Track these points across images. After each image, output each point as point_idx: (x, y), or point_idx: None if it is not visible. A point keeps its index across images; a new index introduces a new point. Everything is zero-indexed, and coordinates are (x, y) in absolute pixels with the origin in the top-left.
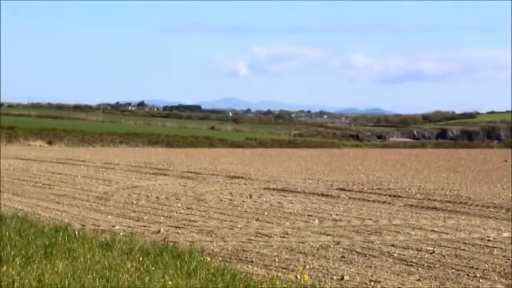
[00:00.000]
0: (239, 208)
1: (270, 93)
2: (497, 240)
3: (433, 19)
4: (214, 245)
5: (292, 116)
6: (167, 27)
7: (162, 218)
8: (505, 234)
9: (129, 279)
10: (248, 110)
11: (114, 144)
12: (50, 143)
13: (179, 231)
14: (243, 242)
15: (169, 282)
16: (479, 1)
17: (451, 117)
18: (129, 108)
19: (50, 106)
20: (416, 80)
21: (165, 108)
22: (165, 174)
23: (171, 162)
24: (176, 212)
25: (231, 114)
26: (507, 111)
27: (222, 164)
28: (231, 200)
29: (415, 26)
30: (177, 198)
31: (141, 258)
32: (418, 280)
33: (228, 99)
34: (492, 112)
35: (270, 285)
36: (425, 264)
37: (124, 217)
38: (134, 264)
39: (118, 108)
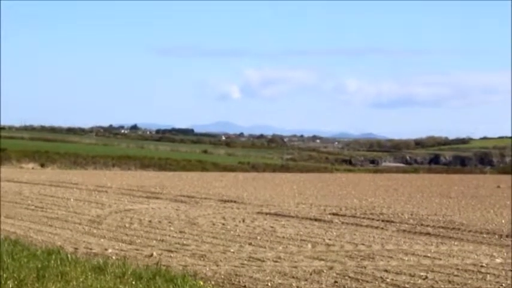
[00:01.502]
0: (232, 232)
1: (262, 117)
2: (490, 266)
3: (425, 43)
4: (207, 269)
5: (285, 140)
6: (160, 49)
7: (154, 241)
8: (498, 260)
9: None
10: (241, 134)
11: (107, 167)
12: (42, 165)
13: (172, 255)
14: (235, 266)
15: None
16: (471, 24)
17: (444, 142)
18: (122, 131)
19: (42, 128)
20: (409, 104)
21: (157, 131)
22: (157, 198)
23: (163, 185)
24: (169, 235)
25: (224, 138)
26: (500, 137)
27: (214, 188)
28: (223, 224)
29: (407, 50)
30: (169, 222)
31: (134, 282)
32: None
33: (221, 123)
34: (485, 138)
35: None
36: None
37: (117, 240)
38: None
39: (111, 131)
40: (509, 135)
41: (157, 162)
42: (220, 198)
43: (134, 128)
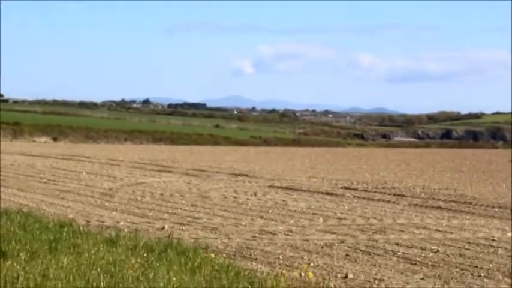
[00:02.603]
0: (243, 206)
1: (275, 92)
2: (502, 240)
3: (439, 19)
4: (219, 242)
5: (297, 114)
6: (173, 25)
7: (166, 214)
8: (509, 234)
9: (133, 275)
10: (253, 109)
11: (119, 141)
12: (55, 139)
13: (183, 228)
14: (247, 239)
15: (174, 279)
16: (485, 1)
17: (456, 117)
18: (134, 105)
19: (55, 103)
20: (422, 80)
21: (169, 105)
22: (169, 172)
23: (175, 159)
24: (180, 209)
25: (235, 112)
26: None
27: (226, 162)
28: (235, 197)
29: (421, 26)
30: (181, 195)
31: (145, 255)
32: (422, 279)
33: (233, 98)
34: (497, 113)
35: (274, 283)
36: (430, 263)
37: (128, 213)
38: (139, 260)
39: (123, 106)
40: None
41: (169, 136)
42: (232, 172)
43: (146, 102)
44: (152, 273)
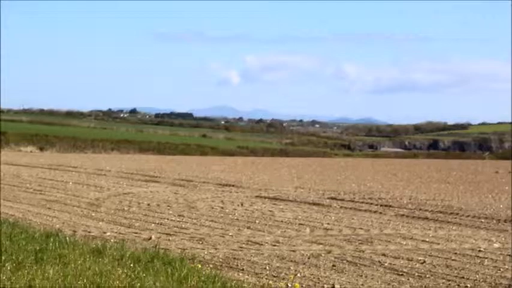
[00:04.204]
0: (230, 216)
1: (262, 102)
2: (488, 250)
3: (426, 30)
4: (206, 253)
5: (284, 124)
6: (160, 34)
7: (153, 225)
8: (496, 245)
9: (120, 285)
10: (240, 119)
11: (106, 150)
12: (41, 149)
13: (170, 239)
14: (234, 250)
15: None
16: (471, 13)
17: (443, 128)
18: (121, 115)
19: (41, 112)
20: (409, 90)
21: (157, 115)
22: (156, 182)
23: (162, 169)
24: (167, 219)
25: (223, 122)
26: (499, 123)
27: (213, 172)
28: (222, 207)
29: (408, 37)
30: (168, 206)
31: (132, 265)
32: None
33: (220, 108)
34: (484, 123)
35: None
36: (416, 274)
37: (115, 224)
38: (125, 271)
39: (110, 115)
40: (509, 121)
41: (156, 146)
42: (218, 182)
43: (133, 111)
44: (139, 284)
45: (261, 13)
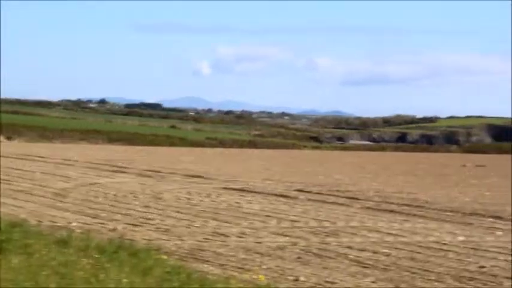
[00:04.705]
0: (197, 207)
1: (232, 93)
2: (453, 243)
3: (398, 22)
4: (171, 244)
5: (254, 116)
6: (132, 24)
7: (119, 215)
8: (460, 238)
9: (84, 276)
10: (209, 110)
11: (75, 141)
12: (9, 138)
13: (136, 229)
14: (199, 241)
15: (125, 280)
16: (443, 5)
17: (411, 121)
18: (90, 105)
19: (9, 101)
20: (379, 83)
21: (126, 105)
22: (124, 172)
23: (130, 160)
24: (134, 210)
25: (192, 113)
26: (467, 117)
27: (181, 163)
28: (189, 199)
29: (381, 29)
30: (135, 196)
31: (97, 256)
32: (373, 282)
33: (189, 98)
34: (452, 117)
35: (225, 285)
36: (381, 267)
37: (81, 214)
38: (90, 261)
39: (79, 105)
40: (477, 114)
41: (125, 137)
42: (186, 173)
43: (102, 102)
44: (103, 275)
45: (234, 5)
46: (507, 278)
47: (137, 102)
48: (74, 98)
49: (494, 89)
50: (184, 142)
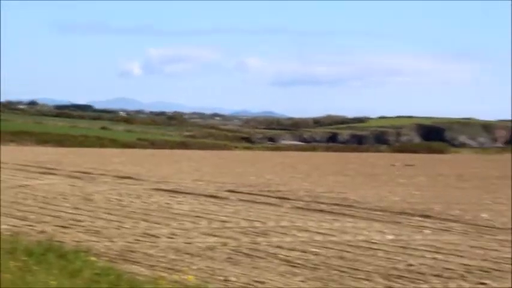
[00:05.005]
0: (127, 208)
1: (163, 94)
2: (382, 242)
3: (328, 23)
4: (101, 245)
5: (185, 117)
6: (61, 25)
7: (48, 217)
8: (389, 237)
9: (10, 278)
10: (141, 111)
11: (4, 142)
12: None
13: (66, 231)
14: (130, 243)
15: (53, 282)
16: (372, 7)
17: (342, 121)
18: (20, 106)
19: None
20: (310, 83)
21: (56, 107)
22: (53, 174)
23: (60, 161)
24: (63, 211)
25: (123, 114)
26: (397, 117)
27: (112, 164)
28: (119, 200)
29: (310, 30)
30: (64, 198)
31: (25, 258)
32: (303, 281)
33: (120, 100)
34: (382, 117)
35: (154, 286)
36: (310, 266)
37: (10, 216)
38: (17, 264)
39: (8, 107)
40: (407, 115)
41: (56, 138)
42: (117, 174)
43: (32, 103)
44: (31, 277)
45: (164, 5)
46: (435, 275)
47: (67, 103)
48: (2, 99)
49: (423, 89)
50: (115, 143)
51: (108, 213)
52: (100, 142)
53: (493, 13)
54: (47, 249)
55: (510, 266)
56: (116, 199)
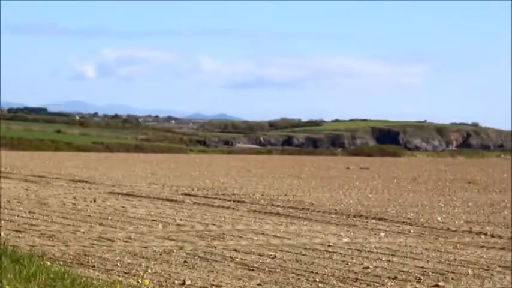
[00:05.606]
0: (82, 212)
1: (118, 97)
2: (337, 245)
3: (283, 26)
4: (56, 250)
5: (140, 120)
6: (13, 27)
7: (2, 222)
8: (345, 240)
9: None
10: (95, 114)
11: None
12: None
13: (20, 236)
14: (85, 247)
15: (7, 287)
16: (325, 8)
17: (297, 124)
18: None
19: None
20: (265, 86)
21: (9, 110)
22: (7, 178)
23: (14, 165)
24: (18, 216)
25: (77, 117)
26: (351, 120)
27: (66, 168)
28: (74, 204)
29: (265, 32)
30: (19, 202)
31: None
32: (259, 285)
33: (75, 103)
34: (337, 120)
35: None
36: (267, 269)
37: None
38: None
39: None
40: (361, 118)
41: (9, 142)
42: (71, 178)
43: None
44: None
45: (118, 6)
46: (390, 278)
47: (20, 106)
48: None
49: (377, 92)
50: (70, 147)
51: (63, 217)
52: (55, 145)
53: (442, 15)
54: (1, 254)
55: (464, 268)
56: (71, 203)
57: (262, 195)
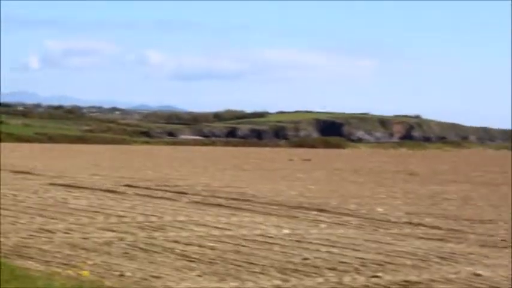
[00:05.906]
0: (23, 204)
1: (63, 88)
2: (278, 236)
3: (227, 18)
4: None
5: (84, 111)
6: None
7: None
8: (285, 231)
9: None
10: (38, 105)
11: None
12: None
13: None
14: (24, 238)
15: None
16: (273, 3)
17: (242, 116)
18: None
19: None
20: (210, 78)
21: None
22: None
23: None
24: None
25: (20, 108)
26: (296, 112)
27: (7, 159)
28: (14, 195)
29: (212, 25)
30: None
31: None
32: (199, 276)
33: (18, 93)
34: (281, 112)
35: (48, 281)
36: (207, 260)
37: None
38: None
39: None
40: (305, 109)
41: None
42: (13, 169)
43: None
44: None
45: None
46: (330, 269)
47: None
48: None
49: (320, 85)
50: (11, 138)
51: (3, 209)
52: None
53: (394, 9)
54: None
55: (403, 259)
56: (12, 194)
57: (205, 186)
